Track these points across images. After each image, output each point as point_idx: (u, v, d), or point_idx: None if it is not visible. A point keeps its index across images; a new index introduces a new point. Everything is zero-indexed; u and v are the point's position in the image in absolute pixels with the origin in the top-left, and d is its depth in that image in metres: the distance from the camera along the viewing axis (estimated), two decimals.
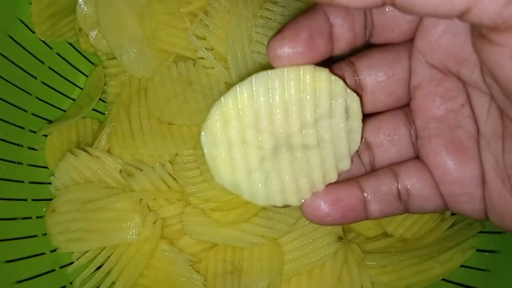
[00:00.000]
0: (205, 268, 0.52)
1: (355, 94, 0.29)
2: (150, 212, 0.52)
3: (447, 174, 0.29)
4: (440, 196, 0.29)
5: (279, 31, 0.27)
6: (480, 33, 0.23)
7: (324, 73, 0.28)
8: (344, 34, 0.28)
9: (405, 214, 0.50)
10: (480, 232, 0.48)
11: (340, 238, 0.50)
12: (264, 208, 0.51)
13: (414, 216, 0.50)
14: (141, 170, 0.52)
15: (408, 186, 0.30)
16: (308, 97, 0.27)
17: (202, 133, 0.28)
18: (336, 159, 0.29)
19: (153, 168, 0.53)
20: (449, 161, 0.28)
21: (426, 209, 0.30)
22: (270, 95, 0.27)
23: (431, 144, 0.29)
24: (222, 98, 0.27)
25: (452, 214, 0.51)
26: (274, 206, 0.31)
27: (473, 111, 0.28)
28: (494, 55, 0.22)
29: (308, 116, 0.28)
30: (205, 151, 0.28)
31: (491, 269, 0.45)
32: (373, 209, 0.30)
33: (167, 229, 0.53)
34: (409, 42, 0.30)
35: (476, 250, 0.47)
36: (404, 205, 0.30)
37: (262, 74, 0.27)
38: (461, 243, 0.48)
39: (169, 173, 0.53)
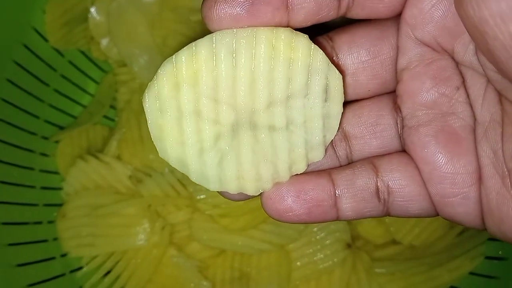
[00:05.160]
0: (213, 274, 0.52)
1: (337, 71, 0.24)
2: (158, 218, 0.53)
3: (436, 170, 0.24)
4: (427, 196, 0.25)
5: None
6: None
7: (303, 40, 0.23)
8: (304, 3, 0.23)
9: (414, 221, 0.50)
10: (489, 239, 0.48)
11: (349, 246, 0.50)
12: None
13: (423, 223, 0.50)
14: (151, 176, 0.53)
15: (389, 183, 0.25)
16: (280, 67, 0.23)
17: (145, 96, 0.23)
18: (307, 148, 0.25)
19: (162, 174, 0.53)
20: (439, 153, 0.24)
21: (410, 212, 0.26)
22: (234, 59, 0.23)
23: (418, 133, 0.25)
24: (174, 56, 0.23)
25: None
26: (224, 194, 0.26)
27: (468, 96, 0.24)
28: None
29: (278, 91, 0.24)
30: (149, 118, 0.24)
31: (500, 276, 0.45)
32: (344, 207, 0.25)
33: (176, 235, 0.53)
34: (398, 16, 0.25)
35: (485, 258, 0.47)
36: (383, 205, 0.26)
37: (227, 32, 0.22)
38: (469, 250, 0.47)
39: (178, 179, 0.53)
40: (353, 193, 0.25)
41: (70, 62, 0.59)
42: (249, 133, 0.24)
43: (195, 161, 0.24)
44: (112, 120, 0.61)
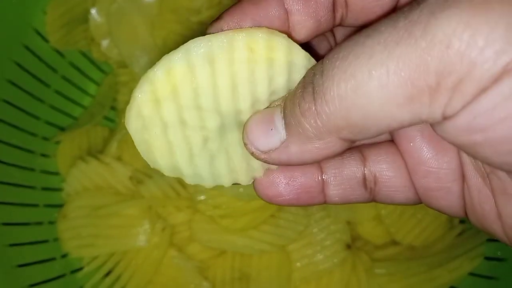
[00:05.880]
0: (214, 275, 0.52)
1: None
2: (159, 219, 0.53)
3: (421, 164, 0.25)
4: (412, 188, 0.26)
5: (219, 17, 0.23)
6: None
7: (281, 40, 0.22)
8: (305, 22, 0.23)
9: (414, 222, 0.50)
10: (489, 240, 0.48)
11: (349, 246, 0.50)
12: (272, 216, 0.52)
13: (423, 224, 0.50)
14: (151, 177, 0.53)
15: (376, 174, 0.26)
16: (261, 69, 0.22)
17: (127, 118, 0.23)
18: None
19: (162, 175, 0.53)
20: (424, 148, 0.24)
21: (394, 201, 0.26)
22: (212, 67, 0.22)
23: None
24: (149, 73, 0.22)
25: (461, 222, 0.51)
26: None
27: None
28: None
29: (261, 91, 0.23)
30: (134, 137, 0.23)
31: (499, 277, 0.45)
32: (331, 193, 0.26)
33: (176, 236, 0.53)
34: None
35: (484, 258, 0.47)
36: (370, 193, 0.26)
37: (202, 41, 0.21)
38: (469, 251, 0.48)
39: (178, 180, 0.53)
40: (340, 181, 0.26)
41: (71, 63, 0.59)
42: (236, 131, 0.24)
43: (187, 166, 0.25)
44: (113, 121, 0.61)
